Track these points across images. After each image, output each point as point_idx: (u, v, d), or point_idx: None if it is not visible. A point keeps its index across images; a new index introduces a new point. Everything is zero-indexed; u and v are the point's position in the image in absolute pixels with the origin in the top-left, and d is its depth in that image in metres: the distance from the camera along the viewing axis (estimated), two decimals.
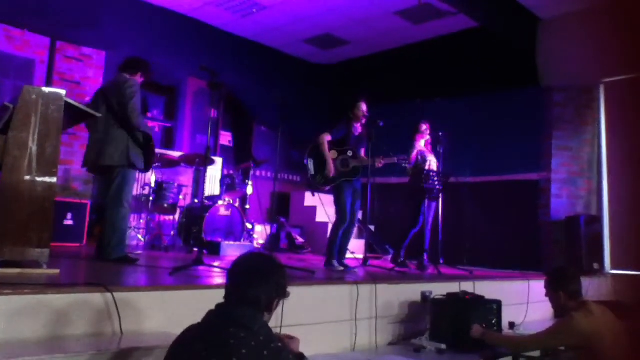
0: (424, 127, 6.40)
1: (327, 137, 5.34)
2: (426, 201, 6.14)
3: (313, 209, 8.56)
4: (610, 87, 7.59)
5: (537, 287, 5.07)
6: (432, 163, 6.34)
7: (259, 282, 1.99)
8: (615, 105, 7.53)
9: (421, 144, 6.39)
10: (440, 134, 6.27)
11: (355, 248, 6.34)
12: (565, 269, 3.75)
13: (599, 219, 7.37)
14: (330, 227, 5.53)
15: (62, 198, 5.99)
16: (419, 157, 6.25)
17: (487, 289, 4.60)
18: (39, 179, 2.97)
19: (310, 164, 5.32)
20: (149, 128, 4.43)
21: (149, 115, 7.93)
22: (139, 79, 4.52)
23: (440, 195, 6.13)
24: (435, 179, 5.96)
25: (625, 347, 3.32)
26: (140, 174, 5.88)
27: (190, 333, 1.96)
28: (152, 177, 6.57)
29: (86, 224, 6.06)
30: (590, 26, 7.42)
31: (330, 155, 5.29)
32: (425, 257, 6.12)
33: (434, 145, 6.43)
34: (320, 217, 8.35)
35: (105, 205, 4.33)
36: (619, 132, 7.45)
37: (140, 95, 4.42)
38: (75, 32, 7.15)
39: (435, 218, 6.31)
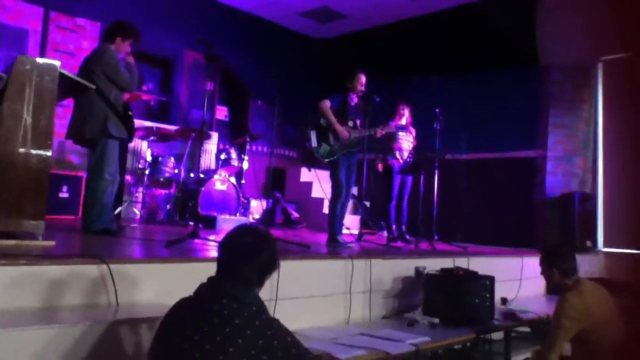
0: (402, 110, 6.58)
1: (327, 104, 5.24)
2: (396, 176, 6.43)
3: (309, 184, 8.57)
4: (609, 65, 7.56)
5: (530, 263, 5.12)
6: (404, 141, 6.52)
7: (250, 256, 2.00)
8: (613, 84, 7.51)
9: (402, 122, 6.56)
10: (437, 110, 6.26)
11: (350, 224, 6.37)
12: (559, 246, 3.78)
13: (593, 197, 7.41)
14: (326, 202, 5.53)
15: (57, 171, 5.97)
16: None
17: (481, 265, 4.64)
18: (33, 151, 2.96)
19: (313, 136, 5.21)
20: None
21: (144, 88, 7.86)
22: (120, 43, 4.40)
23: (417, 171, 6.34)
24: (404, 155, 6.39)
25: (617, 324, 3.36)
26: (137, 147, 5.87)
27: (183, 305, 1.98)
28: (147, 151, 6.55)
29: (81, 197, 6.05)
30: (589, 3, 7.36)
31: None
32: (405, 230, 6.39)
33: (414, 124, 6.69)
34: (316, 192, 8.37)
35: (87, 176, 4.30)
36: (616, 110, 7.45)
37: (122, 62, 4.35)
38: (69, 3, 7.05)
39: (411, 192, 6.52)
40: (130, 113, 4.41)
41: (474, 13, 8.05)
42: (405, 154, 6.48)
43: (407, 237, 6.31)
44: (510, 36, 7.83)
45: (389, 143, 6.45)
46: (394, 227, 6.44)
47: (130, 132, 4.44)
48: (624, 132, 7.30)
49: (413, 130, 6.66)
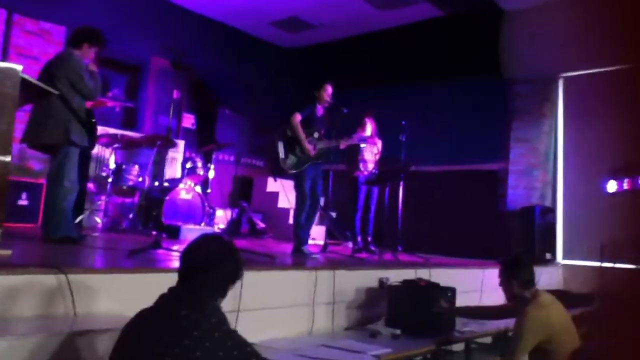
0: (367, 121, 6.61)
1: (298, 117, 5.28)
2: (362, 188, 6.46)
3: (275, 194, 8.55)
4: (569, 81, 7.79)
5: (491, 275, 5.19)
6: (368, 153, 6.56)
7: (211, 266, 1.99)
8: (573, 99, 7.75)
9: (367, 132, 6.58)
10: (404, 122, 6.35)
11: (316, 234, 6.39)
12: (518, 258, 3.85)
13: (553, 210, 7.59)
14: (291, 213, 5.54)
15: (17, 177, 5.83)
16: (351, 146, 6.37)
17: (443, 276, 4.70)
18: None
19: (281, 147, 5.23)
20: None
21: (109, 94, 7.73)
22: (86, 50, 4.34)
23: (383, 182, 6.38)
24: (369, 167, 6.44)
25: (573, 333, 3.47)
26: (100, 154, 5.77)
27: (143, 316, 1.96)
28: (111, 158, 6.45)
29: (42, 204, 5.92)
30: (553, 20, 7.61)
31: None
32: (371, 242, 6.40)
33: (380, 135, 6.72)
34: (283, 202, 8.36)
35: (47, 183, 4.22)
36: (575, 125, 7.68)
37: (86, 68, 4.27)
38: (34, 6, 6.91)
39: (378, 204, 6.55)
40: (93, 120, 4.34)
41: (440, 26, 8.23)
42: (370, 166, 6.52)
43: (372, 248, 6.34)
44: (475, 50, 8.02)
45: (354, 154, 6.50)
46: (359, 238, 6.46)
47: (92, 139, 4.37)
48: (582, 147, 7.54)
49: (379, 141, 6.68)
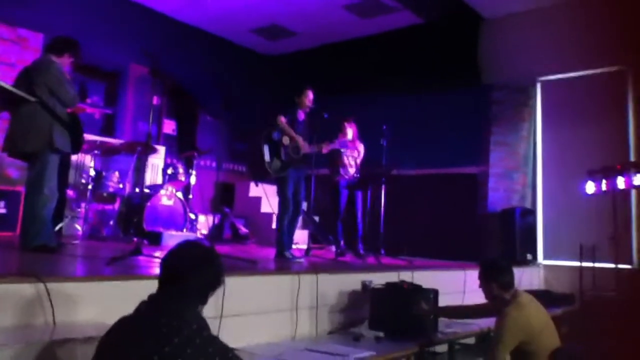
0: (348, 125, 6.64)
1: (283, 119, 5.33)
2: (343, 192, 6.50)
3: (258, 199, 8.54)
4: (547, 85, 7.91)
5: (473, 276, 5.22)
6: (350, 158, 6.58)
7: (192, 272, 1.98)
8: (551, 103, 7.86)
9: (348, 137, 6.59)
10: (384, 127, 6.39)
11: (299, 238, 6.39)
12: (497, 260, 3.90)
13: (533, 212, 7.68)
14: (274, 218, 5.54)
15: None
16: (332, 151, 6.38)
17: (425, 278, 4.72)
18: None
19: (266, 150, 5.21)
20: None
21: (88, 101, 7.67)
22: (66, 59, 4.33)
23: (365, 186, 6.43)
24: (350, 171, 6.47)
25: (552, 332, 3.51)
26: (80, 161, 5.71)
27: (123, 324, 1.94)
28: (91, 165, 6.38)
29: (20, 213, 5.83)
30: (530, 26, 7.74)
31: (283, 140, 5.28)
32: (360, 245, 6.38)
33: (361, 139, 6.74)
34: (265, 207, 8.34)
35: (26, 191, 4.16)
36: (554, 128, 7.79)
37: (67, 76, 4.24)
38: (10, 12, 6.83)
39: (363, 207, 6.56)
40: (79, 125, 4.30)
41: (420, 33, 8.31)
42: (351, 170, 6.55)
43: (362, 251, 6.29)
44: (454, 56, 8.11)
45: (335, 159, 6.52)
46: (341, 241, 6.46)
47: (77, 144, 4.33)
48: (560, 150, 7.65)
49: (360, 146, 6.70)
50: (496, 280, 3.56)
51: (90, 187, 6.21)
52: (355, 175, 6.53)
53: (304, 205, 6.06)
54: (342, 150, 6.48)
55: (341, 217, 6.53)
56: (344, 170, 6.53)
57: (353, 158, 6.63)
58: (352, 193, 6.59)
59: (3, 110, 3.99)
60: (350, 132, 6.65)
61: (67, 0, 7.00)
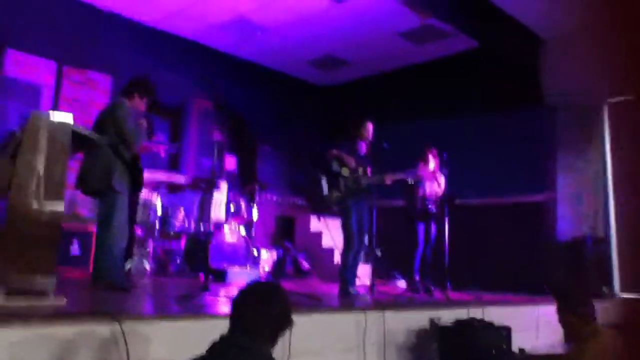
0: (429, 154, 6.37)
1: (334, 152, 5.34)
2: (420, 224, 6.24)
3: (319, 234, 8.49)
4: (615, 107, 7.59)
5: (546, 311, 5.00)
6: (428, 190, 6.32)
7: (261, 312, 1.99)
8: (620, 126, 7.52)
9: (429, 167, 6.35)
10: (445, 155, 6.24)
11: (361, 273, 6.28)
12: (577, 292, 3.69)
13: (605, 240, 7.30)
14: (336, 253, 5.48)
15: (68, 224, 5.97)
16: (411, 181, 6.14)
17: (496, 314, 4.54)
18: (46, 204, 2.95)
19: (324, 183, 5.22)
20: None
21: (154, 139, 7.92)
22: (137, 100, 4.47)
23: (440, 218, 6.14)
24: (428, 203, 6.19)
25: None
26: (147, 199, 5.89)
27: None
28: (157, 203, 6.55)
29: (92, 251, 6.02)
30: (594, 45, 7.44)
31: (342, 172, 5.26)
32: (417, 278, 6.18)
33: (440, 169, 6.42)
34: (327, 242, 8.28)
35: (97, 228, 4.29)
36: (624, 152, 7.43)
37: (133, 117, 4.38)
38: (81, 56, 7.20)
39: (436, 240, 6.31)
40: (139, 166, 4.43)
41: (477, 57, 8.17)
42: (430, 202, 6.25)
43: (432, 288, 6.06)
44: (515, 78, 7.90)
45: (411, 190, 6.28)
46: (417, 276, 6.22)
47: (137, 185, 4.45)
48: (633, 174, 7.27)
49: (441, 177, 6.34)
50: (575, 313, 3.36)
51: (157, 224, 6.37)
52: (430, 207, 6.26)
53: (366, 239, 5.99)
54: (423, 181, 6.25)
55: (420, 250, 6.26)
56: (421, 203, 6.28)
57: (432, 190, 6.35)
58: (426, 224, 6.34)
59: (77, 151, 4.16)
60: (432, 163, 6.35)
61: (132, 44, 7.30)
